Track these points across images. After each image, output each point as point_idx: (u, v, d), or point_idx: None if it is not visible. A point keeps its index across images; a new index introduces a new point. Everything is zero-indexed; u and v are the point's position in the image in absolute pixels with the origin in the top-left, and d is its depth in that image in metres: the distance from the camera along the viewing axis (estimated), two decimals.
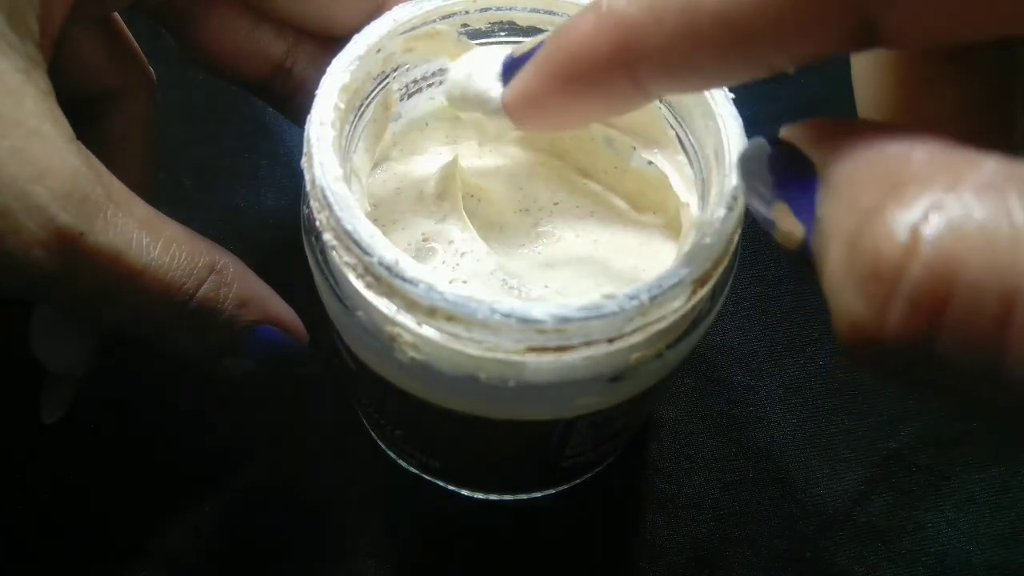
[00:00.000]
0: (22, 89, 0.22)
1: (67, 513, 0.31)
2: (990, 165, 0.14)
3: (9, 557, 0.30)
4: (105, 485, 0.31)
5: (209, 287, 0.25)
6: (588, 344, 0.21)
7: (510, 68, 0.21)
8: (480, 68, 0.22)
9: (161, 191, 0.30)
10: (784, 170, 0.17)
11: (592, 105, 0.20)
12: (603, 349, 0.21)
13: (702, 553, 0.31)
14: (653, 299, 0.20)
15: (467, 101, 0.23)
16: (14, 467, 0.31)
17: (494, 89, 0.22)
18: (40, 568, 0.30)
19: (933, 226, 0.13)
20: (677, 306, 0.21)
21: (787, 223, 0.17)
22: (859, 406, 0.34)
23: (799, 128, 0.17)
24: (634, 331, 0.21)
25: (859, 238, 0.14)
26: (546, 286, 0.27)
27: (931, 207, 0.13)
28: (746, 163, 0.19)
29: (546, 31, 0.27)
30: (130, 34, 0.29)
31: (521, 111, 0.21)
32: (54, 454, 0.32)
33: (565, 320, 0.20)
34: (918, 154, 0.14)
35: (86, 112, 0.28)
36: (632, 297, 0.20)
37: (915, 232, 0.13)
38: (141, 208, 0.24)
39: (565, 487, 0.31)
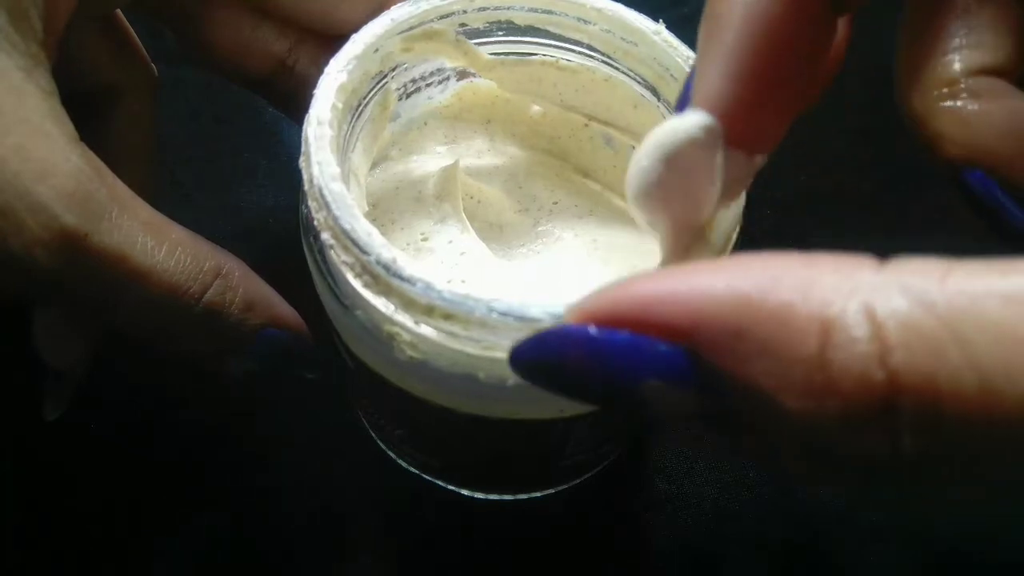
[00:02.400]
0: (24, 88, 0.22)
1: (67, 511, 0.31)
2: (868, 266, 0.13)
3: (10, 556, 0.30)
4: (105, 483, 0.31)
5: (215, 291, 0.25)
6: None
7: (683, 101, 0.19)
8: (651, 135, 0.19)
9: (161, 191, 0.30)
10: (627, 356, 0.14)
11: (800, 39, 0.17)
12: None
13: (702, 553, 0.31)
14: None
15: (654, 159, 0.18)
16: (15, 464, 0.31)
17: (677, 120, 0.18)
18: (41, 567, 0.30)
19: (894, 346, 0.12)
20: None
21: (673, 396, 0.14)
22: None
23: (609, 306, 0.15)
24: None
25: (826, 385, 0.12)
26: (545, 285, 0.27)
27: (870, 329, 0.12)
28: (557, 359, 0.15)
29: (545, 31, 0.27)
30: (133, 31, 0.29)
31: (721, 101, 0.18)
32: (55, 451, 0.32)
33: (563, 319, 0.20)
34: (797, 271, 0.13)
35: (88, 110, 0.28)
36: None
37: (883, 363, 0.12)
38: (145, 210, 0.24)
39: (565, 487, 0.31)
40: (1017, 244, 0.18)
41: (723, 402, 0.14)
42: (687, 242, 0.20)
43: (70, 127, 0.23)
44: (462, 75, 0.30)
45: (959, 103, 0.20)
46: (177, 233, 0.24)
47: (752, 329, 0.13)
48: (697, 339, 0.14)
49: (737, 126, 0.18)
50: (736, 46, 0.18)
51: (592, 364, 0.15)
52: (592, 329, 0.15)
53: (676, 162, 0.18)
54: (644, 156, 0.19)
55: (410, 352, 0.21)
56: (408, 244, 0.27)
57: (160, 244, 0.23)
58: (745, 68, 0.18)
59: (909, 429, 0.12)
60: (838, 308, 0.12)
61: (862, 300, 0.12)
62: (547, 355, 0.16)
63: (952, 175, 0.20)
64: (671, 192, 0.19)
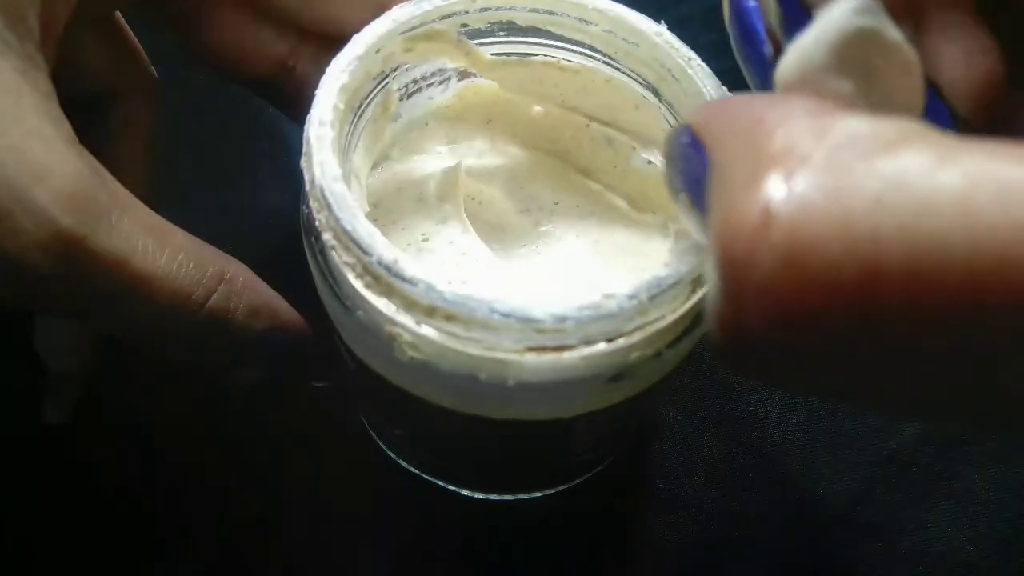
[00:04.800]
0: (21, 89, 0.21)
1: (68, 512, 0.31)
2: (844, 126, 0.12)
3: (11, 558, 0.30)
4: (105, 484, 0.31)
5: (219, 297, 0.24)
6: (587, 343, 0.21)
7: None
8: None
9: (161, 191, 0.30)
10: (685, 157, 0.16)
11: None
12: (602, 348, 0.21)
13: (702, 553, 0.31)
14: (652, 298, 0.20)
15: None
16: (15, 465, 0.31)
17: (823, 21, 0.14)
18: (42, 568, 0.30)
19: (782, 203, 0.12)
20: (676, 305, 0.21)
21: (684, 217, 0.16)
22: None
23: (697, 109, 0.16)
24: (633, 330, 0.21)
25: (717, 224, 0.13)
26: (546, 286, 0.27)
27: (785, 182, 0.12)
28: (667, 151, 0.17)
29: (546, 31, 0.27)
30: (132, 34, 0.29)
31: None
32: (56, 453, 0.32)
33: (564, 319, 0.20)
34: (784, 125, 0.13)
35: (87, 113, 0.28)
36: (631, 296, 0.20)
37: (766, 212, 0.12)
38: (147, 215, 0.24)
39: (565, 487, 0.31)
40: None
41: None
42: None
43: (68, 129, 0.23)
44: (463, 75, 0.30)
45: None
46: (180, 238, 0.24)
47: (718, 150, 0.14)
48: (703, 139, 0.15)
49: None
50: None
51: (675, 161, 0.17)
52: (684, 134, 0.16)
53: (853, 70, 0.14)
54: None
55: (411, 353, 0.21)
56: (409, 244, 0.27)
57: (162, 249, 0.23)
58: None
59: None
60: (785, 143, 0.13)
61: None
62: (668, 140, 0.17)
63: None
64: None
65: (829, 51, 0.14)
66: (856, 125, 0.12)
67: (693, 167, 0.15)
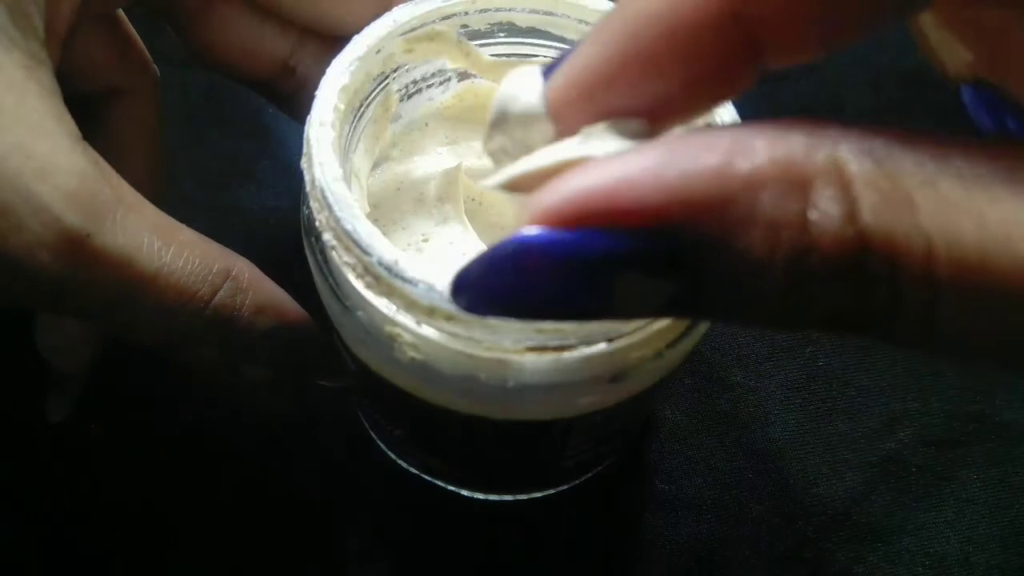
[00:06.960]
0: (25, 86, 0.21)
1: (69, 512, 0.31)
2: (836, 127, 0.14)
3: (11, 557, 0.30)
4: (106, 483, 0.31)
5: (225, 294, 0.24)
6: (587, 343, 0.21)
7: (555, 66, 0.17)
8: (527, 81, 0.18)
9: (161, 192, 0.30)
10: (606, 253, 0.13)
11: (676, 80, 0.15)
12: (602, 348, 0.21)
13: (702, 553, 0.31)
14: None
15: (507, 117, 0.18)
16: (16, 465, 0.31)
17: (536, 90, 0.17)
18: (42, 567, 0.30)
19: (861, 206, 0.13)
20: None
21: (647, 286, 0.14)
22: (859, 406, 0.34)
23: (576, 202, 0.14)
24: (633, 330, 0.21)
25: (810, 244, 0.13)
26: None
27: (840, 189, 0.13)
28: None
29: (546, 32, 0.27)
30: (135, 32, 0.29)
31: (568, 94, 0.16)
32: (57, 452, 0.32)
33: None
34: (754, 144, 0.13)
35: (90, 112, 0.28)
36: None
37: (853, 220, 0.13)
38: (152, 212, 0.23)
39: (565, 487, 0.31)
40: None
41: (699, 279, 0.14)
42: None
43: (73, 127, 0.22)
44: (463, 76, 0.30)
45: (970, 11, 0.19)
46: (185, 235, 0.24)
47: (736, 199, 0.13)
48: (679, 218, 0.13)
49: (569, 110, 0.17)
50: (624, 23, 0.16)
51: (562, 273, 0.14)
52: (557, 233, 0.13)
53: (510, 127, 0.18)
54: (495, 106, 0.19)
55: (411, 353, 0.21)
56: (409, 245, 0.27)
57: (167, 246, 0.23)
58: (595, 64, 0.16)
59: (880, 283, 0.13)
60: (812, 169, 0.13)
61: (832, 161, 0.13)
62: (502, 274, 0.14)
63: (956, 89, 0.19)
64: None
65: (492, 113, 0.18)
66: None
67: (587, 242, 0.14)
